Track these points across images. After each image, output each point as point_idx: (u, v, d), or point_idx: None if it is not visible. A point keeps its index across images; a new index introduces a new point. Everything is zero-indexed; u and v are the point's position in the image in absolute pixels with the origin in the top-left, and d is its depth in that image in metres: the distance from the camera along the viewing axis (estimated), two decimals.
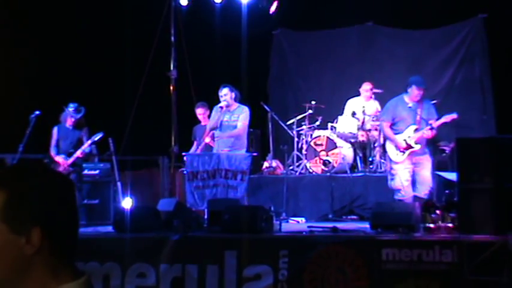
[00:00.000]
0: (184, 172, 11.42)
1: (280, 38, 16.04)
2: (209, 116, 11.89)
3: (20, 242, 1.78)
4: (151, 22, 13.24)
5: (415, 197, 10.04)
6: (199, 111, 12.23)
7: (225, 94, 10.91)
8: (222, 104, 10.89)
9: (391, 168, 10.32)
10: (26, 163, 1.94)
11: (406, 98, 10.23)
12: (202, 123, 12.19)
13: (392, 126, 10.28)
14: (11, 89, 13.26)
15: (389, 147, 10.32)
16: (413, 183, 10.18)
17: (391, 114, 10.34)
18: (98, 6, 14.19)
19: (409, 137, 10.05)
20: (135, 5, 13.77)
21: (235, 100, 11.01)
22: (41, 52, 13.75)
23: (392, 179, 10.29)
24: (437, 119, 10.14)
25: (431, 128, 10.03)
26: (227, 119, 10.92)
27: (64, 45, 14.04)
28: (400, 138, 10.10)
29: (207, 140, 11.58)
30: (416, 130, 10.04)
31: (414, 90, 10.09)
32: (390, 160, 10.33)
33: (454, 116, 10.08)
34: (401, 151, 10.09)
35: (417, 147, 10.02)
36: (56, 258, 1.83)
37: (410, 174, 10.15)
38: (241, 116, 10.88)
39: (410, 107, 10.15)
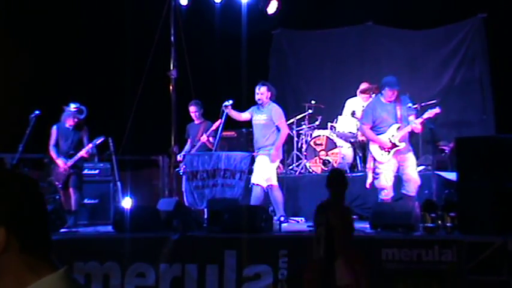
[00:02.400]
0: (180, 172, 11.47)
1: (279, 37, 16.05)
2: (203, 115, 11.90)
3: None
4: (151, 22, 13.25)
5: (404, 195, 10.03)
6: (192, 109, 12.19)
7: (262, 93, 10.95)
8: (226, 103, 10.97)
9: (376, 168, 10.32)
10: None
11: (382, 98, 10.23)
12: (196, 122, 12.16)
13: (373, 127, 10.27)
14: (10, 89, 13.26)
15: (373, 148, 10.28)
16: (400, 182, 10.20)
17: (370, 117, 10.33)
18: (98, 6, 14.19)
19: (392, 135, 10.04)
20: (135, 5, 13.78)
21: (270, 99, 11.06)
22: (40, 52, 13.75)
23: (377, 178, 10.28)
24: (416, 113, 10.19)
25: (422, 122, 10.05)
26: (258, 119, 10.96)
27: (64, 45, 14.05)
28: (384, 138, 10.08)
29: (204, 138, 11.55)
30: (399, 128, 10.03)
31: (387, 91, 10.10)
32: (375, 160, 10.33)
33: (436, 110, 10.08)
34: (386, 150, 10.09)
35: (402, 145, 10.00)
36: (28, 254, 1.84)
37: (394, 173, 10.15)
38: (275, 118, 10.92)
39: (388, 107, 10.14)
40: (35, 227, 1.88)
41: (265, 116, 10.91)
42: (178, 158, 11.99)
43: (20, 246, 1.83)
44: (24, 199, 1.86)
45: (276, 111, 10.94)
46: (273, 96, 11.05)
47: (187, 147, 12.09)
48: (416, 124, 9.98)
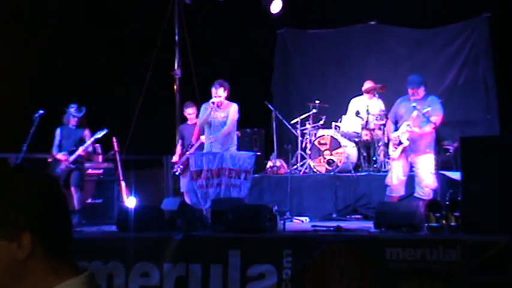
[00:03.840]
0: (176, 173, 11.52)
1: (284, 37, 16.05)
2: (197, 116, 11.87)
3: (12, 247, 1.79)
4: (155, 21, 13.26)
5: (413, 197, 10.04)
6: (190, 111, 12.18)
7: (220, 95, 10.89)
8: (214, 100, 10.88)
9: (389, 164, 10.45)
10: (5, 169, 1.91)
11: (410, 96, 10.32)
12: (190, 123, 12.15)
13: (396, 124, 10.40)
14: (14, 88, 13.28)
15: (390, 144, 10.47)
16: (413, 182, 10.24)
17: (394, 113, 10.59)
18: (103, 5, 14.19)
19: (402, 133, 10.09)
20: (140, 4, 13.79)
21: (226, 98, 11.00)
22: (45, 51, 13.77)
23: (386, 175, 10.41)
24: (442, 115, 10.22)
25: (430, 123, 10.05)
26: (217, 117, 10.91)
27: (68, 44, 14.06)
28: (394, 135, 10.20)
29: (203, 138, 11.51)
30: (408, 126, 10.08)
31: (408, 89, 10.22)
32: (389, 157, 10.46)
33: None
34: (394, 147, 10.16)
35: (406, 143, 10.04)
36: (52, 258, 1.83)
37: (404, 173, 10.16)
38: (230, 113, 10.90)
39: (410, 105, 10.19)
40: (58, 229, 1.87)
41: (223, 114, 10.90)
42: (174, 159, 12.00)
43: (45, 250, 1.82)
44: (46, 201, 1.85)
45: (234, 108, 10.93)
46: (229, 93, 11.01)
47: (179, 148, 12.09)
48: (411, 127, 10.02)
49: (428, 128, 10.08)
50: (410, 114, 10.17)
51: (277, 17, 14.66)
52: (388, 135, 10.58)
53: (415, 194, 10.16)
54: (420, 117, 10.08)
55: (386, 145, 11.52)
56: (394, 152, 10.20)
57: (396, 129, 10.33)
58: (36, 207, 1.81)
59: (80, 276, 1.85)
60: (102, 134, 11.22)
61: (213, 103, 10.86)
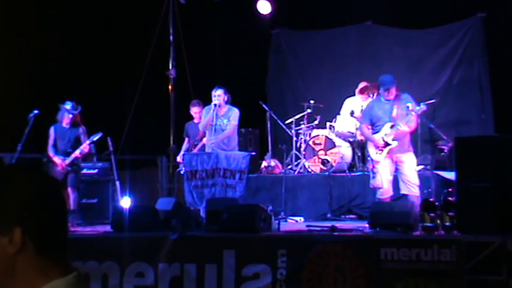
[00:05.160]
0: (181, 172, 11.47)
1: (279, 37, 16.04)
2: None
3: (4, 242, 1.79)
4: (150, 21, 13.25)
5: (405, 196, 10.04)
6: (195, 110, 12.24)
7: (219, 95, 10.95)
8: (216, 102, 10.93)
9: (373, 167, 10.37)
10: (5, 165, 1.92)
11: (382, 98, 10.27)
12: (196, 121, 12.18)
13: (372, 126, 10.31)
14: (9, 88, 13.25)
15: (370, 146, 10.37)
16: (398, 182, 10.23)
17: (368, 116, 10.43)
18: (97, 5, 14.17)
19: (385, 134, 10.05)
20: (134, 4, 13.78)
21: (226, 103, 11.05)
22: (39, 51, 13.74)
23: (373, 177, 10.34)
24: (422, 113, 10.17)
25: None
26: (219, 123, 10.97)
27: (63, 44, 14.04)
28: (377, 137, 10.12)
29: (205, 139, 11.57)
30: (392, 127, 10.04)
31: (383, 91, 10.16)
32: (372, 160, 10.38)
33: (423, 107, 10.05)
34: (379, 149, 10.11)
35: (394, 144, 10.01)
36: (42, 256, 1.83)
37: (391, 173, 10.16)
38: (231, 118, 11.00)
39: (386, 106, 10.14)
40: (51, 228, 1.86)
41: (226, 120, 10.99)
42: (178, 158, 12.01)
43: (36, 247, 1.82)
44: (41, 199, 1.84)
45: (235, 113, 11.09)
46: (229, 100, 11.09)
47: (185, 146, 12.12)
48: (401, 126, 9.99)
49: (414, 124, 10.09)
50: (389, 115, 10.11)
51: (271, 17, 14.66)
52: (369, 138, 10.44)
53: (402, 192, 10.14)
54: (402, 115, 10.03)
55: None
56: (380, 155, 10.13)
57: (375, 132, 10.26)
58: (29, 203, 1.81)
59: (67, 277, 1.84)
60: (98, 138, 11.19)
61: (215, 105, 10.90)
